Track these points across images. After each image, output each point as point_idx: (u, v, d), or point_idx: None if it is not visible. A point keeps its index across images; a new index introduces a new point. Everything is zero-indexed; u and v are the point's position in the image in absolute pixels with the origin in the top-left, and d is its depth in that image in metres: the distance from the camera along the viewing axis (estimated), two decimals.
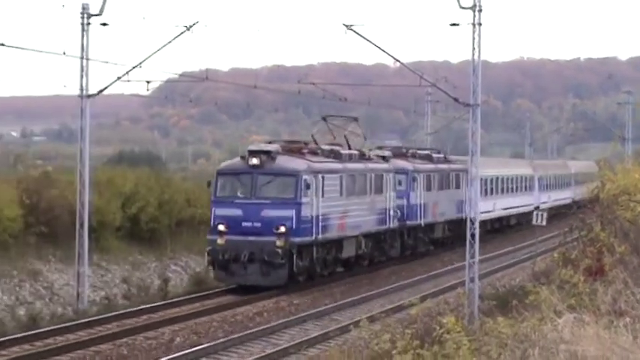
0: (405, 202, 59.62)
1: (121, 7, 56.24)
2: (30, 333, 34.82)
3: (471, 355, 20.66)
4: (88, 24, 41.46)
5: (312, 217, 47.17)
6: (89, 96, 42.40)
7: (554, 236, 71.81)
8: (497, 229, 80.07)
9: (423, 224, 61.98)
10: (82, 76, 42.01)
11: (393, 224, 57.36)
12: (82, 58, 41.76)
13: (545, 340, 22.65)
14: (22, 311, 40.37)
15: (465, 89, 42.64)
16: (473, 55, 40.15)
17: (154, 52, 43.41)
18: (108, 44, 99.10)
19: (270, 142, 52.30)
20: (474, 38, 39.79)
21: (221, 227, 45.64)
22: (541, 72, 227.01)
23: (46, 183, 49.85)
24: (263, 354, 32.65)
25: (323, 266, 50.14)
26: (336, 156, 51.56)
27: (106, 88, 44.07)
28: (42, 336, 34.51)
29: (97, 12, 41.31)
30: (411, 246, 61.64)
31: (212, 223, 46.56)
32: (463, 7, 38.97)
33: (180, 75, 74.39)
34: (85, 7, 41.28)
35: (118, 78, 43.44)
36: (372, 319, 32.56)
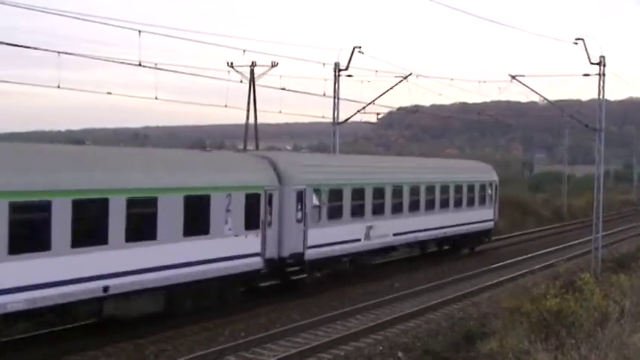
0: None
1: (361, 63, 56.95)
2: None
3: (601, 300, 20.09)
4: (339, 75, 41.86)
5: None
6: (339, 123, 42.78)
7: None
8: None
9: None
10: (334, 110, 42.42)
11: None
12: (334, 97, 42.20)
13: None
14: None
15: (591, 118, 41.46)
16: (599, 95, 39.11)
17: (382, 94, 43.70)
18: (352, 89, 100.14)
19: None
20: (599, 84, 38.76)
21: None
22: None
23: None
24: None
25: None
26: None
27: (350, 117, 44.55)
28: None
29: (345, 67, 41.66)
30: None
31: None
32: (592, 63, 38.09)
33: (398, 109, 74.25)
34: (336, 65, 41.71)
35: (358, 111, 43.92)
36: (532, 272, 32.16)
